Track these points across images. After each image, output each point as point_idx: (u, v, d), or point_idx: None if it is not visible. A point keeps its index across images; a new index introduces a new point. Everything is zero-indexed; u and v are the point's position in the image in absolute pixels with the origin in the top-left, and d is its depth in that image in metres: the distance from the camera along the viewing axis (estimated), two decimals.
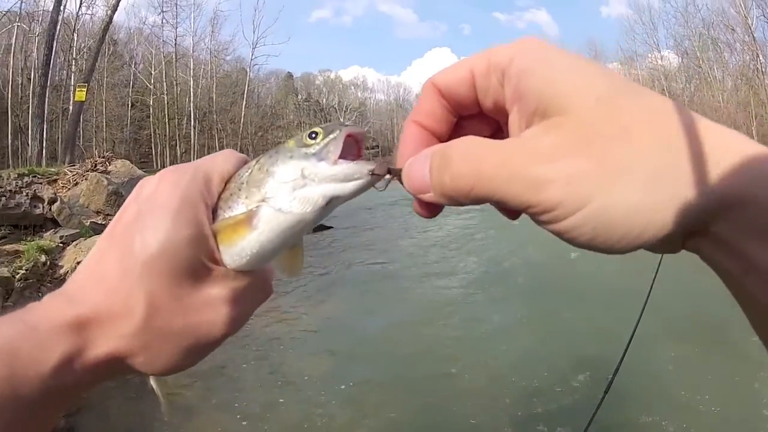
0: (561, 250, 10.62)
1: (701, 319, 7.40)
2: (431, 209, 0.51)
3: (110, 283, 0.53)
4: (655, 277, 3.10)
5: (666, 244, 0.43)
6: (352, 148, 0.60)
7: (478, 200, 0.44)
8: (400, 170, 0.52)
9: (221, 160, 0.63)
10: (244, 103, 58.97)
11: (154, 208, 0.55)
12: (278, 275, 0.67)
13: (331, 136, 0.59)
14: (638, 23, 55.97)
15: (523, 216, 0.46)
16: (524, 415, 5.38)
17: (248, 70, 62.40)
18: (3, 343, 0.46)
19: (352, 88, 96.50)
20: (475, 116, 0.52)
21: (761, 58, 43.51)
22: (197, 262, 0.55)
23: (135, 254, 0.53)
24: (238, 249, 0.58)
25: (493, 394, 5.80)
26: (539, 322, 7.98)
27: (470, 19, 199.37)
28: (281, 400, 5.91)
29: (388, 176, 0.56)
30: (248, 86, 61.16)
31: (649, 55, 55.97)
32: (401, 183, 0.52)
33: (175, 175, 0.58)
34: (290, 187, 0.57)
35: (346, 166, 0.57)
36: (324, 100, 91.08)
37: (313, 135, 0.59)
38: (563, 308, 8.39)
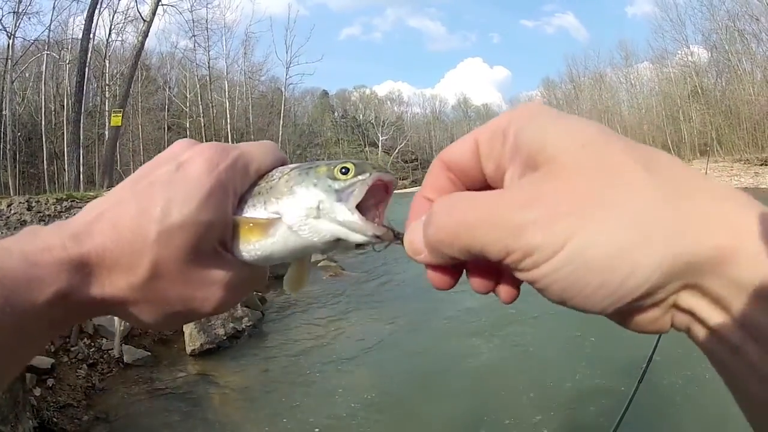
0: None
1: None
2: (444, 279, 0.51)
3: (122, 234, 0.53)
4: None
5: (651, 303, 0.41)
6: (379, 193, 0.61)
7: (463, 252, 0.44)
8: (402, 234, 0.55)
9: (261, 154, 0.64)
10: (281, 122, 57.93)
11: (187, 181, 0.56)
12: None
13: (360, 178, 0.59)
14: (666, 20, 54.80)
15: None
16: (553, 421, 5.53)
17: (283, 89, 61.34)
18: (1, 276, 0.47)
19: (388, 102, 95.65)
20: (482, 189, 0.51)
21: None
22: (210, 245, 0.58)
23: (155, 218, 0.53)
24: (250, 246, 0.60)
25: (525, 401, 5.96)
26: (570, 332, 7.97)
27: (498, 27, 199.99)
28: (316, 412, 6.01)
29: (395, 241, 0.58)
30: (284, 105, 60.00)
31: (679, 52, 53.95)
32: (401, 243, 0.55)
33: (216, 154, 0.59)
34: (304, 213, 0.59)
35: (356, 221, 0.58)
36: (361, 116, 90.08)
37: (344, 170, 0.60)
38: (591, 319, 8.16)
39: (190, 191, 0.55)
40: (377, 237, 0.57)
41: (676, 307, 0.41)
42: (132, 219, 0.54)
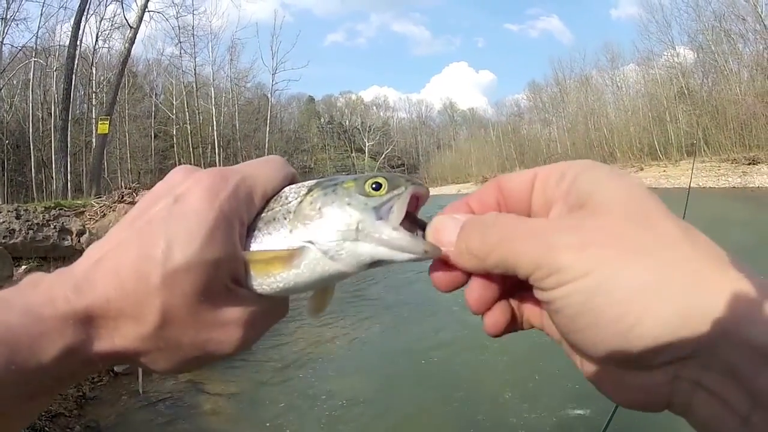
0: None
1: None
2: (448, 281, 0.53)
3: (124, 282, 0.50)
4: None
5: (656, 364, 0.41)
6: (410, 204, 0.57)
7: (495, 263, 0.47)
8: (423, 223, 0.56)
9: (266, 177, 0.60)
10: (267, 128, 58.17)
11: (187, 216, 0.51)
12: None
13: (396, 192, 0.56)
14: (652, 22, 54.93)
15: None
16: (543, 422, 5.56)
17: (269, 95, 61.63)
18: (4, 331, 0.44)
19: (374, 108, 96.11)
20: None
21: None
22: (221, 283, 0.53)
23: (157, 261, 0.49)
24: (270, 280, 0.55)
25: (514, 404, 5.99)
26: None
27: (483, 32, 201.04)
28: (306, 418, 6.00)
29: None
30: (270, 112, 60.19)
31: (665, 53, 53.96)
32: (420, 231, 0.55)
33: (214, 181, 0.54)
34: (341, 236, 0.54)
35: (404, 239, 0.53)
36: (347, 121, 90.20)
37: (376, 186, 0.56)
38: None
39: (192, 227, 0.51)
40: (426, 253, 0.53)
41: (679, 378, 0.41)
42: (133, 264, 0.50)
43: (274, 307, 0.60)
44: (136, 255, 0.50)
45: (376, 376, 7.19)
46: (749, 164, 35.39)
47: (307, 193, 0.58)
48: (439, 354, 7.81)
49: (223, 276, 0.53)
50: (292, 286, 0.56)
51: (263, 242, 0.57)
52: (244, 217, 0.56)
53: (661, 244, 0.41)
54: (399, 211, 0.55)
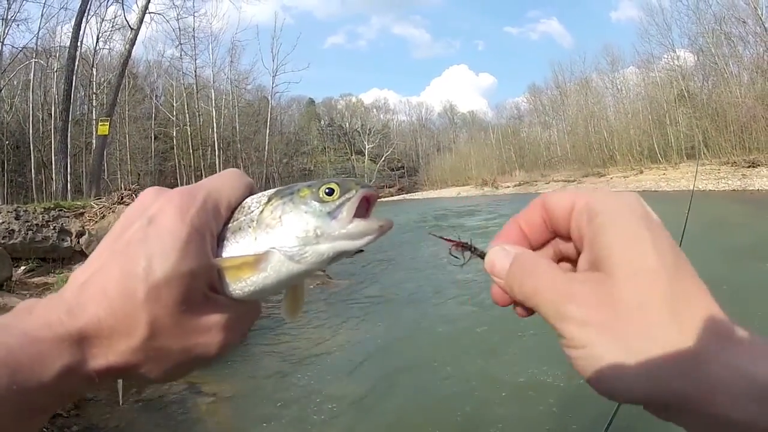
0: None
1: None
2: (505, 300, 0.59)
3: (112, 301, 0.53)
4: None
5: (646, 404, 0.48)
6: (362, 206, 0.63)
7: (530, 306, 0.55)
8: (482, 252, 0.62)
9: (228, 188, 0.64)
10: (267, 131, 58.16)
11: (162, 233, 0.56)
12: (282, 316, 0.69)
13: (347, 195, 0.61)
14: (652, 24, 54.69)
15: None
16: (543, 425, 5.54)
17: (270, 98, 61.58)
18: (5, 354, 0.47)
19: (374, 110, 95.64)
20: (567, 238, 0.59)
21: None
22: (200, 292, 0.58)
23: (139, 277, 0.53)
24: (241, 285, 0.60)
25: (514, 407, 5.93)
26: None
27: (483, 35, 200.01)
28: (302, 421, 5.98)
29: (468, 253, 0.63)
30: (270, 114, 60.15)
31: (665, 56, 53.76)
32: (480, 259, 0.62)
33: (183, 199, 0.59)
34: (301, 241, 0.59)
35: (360, 225, 0.60)
36: (347, 124, 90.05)
37: (329, 191, 0.61)
38: None
39: (167, 244, 0.55)
40: (381, 228, 0.60)
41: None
42: (118, 283, 0.54)
43: (249, 310, 0.64)
44: (120, 274, 0.54)
45: (372, 377, 7.14)
46: (749, 167, 35.27)
47: (267, 203, 0.62)
48: (438, 353, 7.81)
49: (201, 285, 0.58)
50: (262, 288, 0.61)
51: (232, 251, 0.61)
52: (214, 228, 0.60)
53: (648, 334, 0.46)
54: (349, 210, 0.61)
